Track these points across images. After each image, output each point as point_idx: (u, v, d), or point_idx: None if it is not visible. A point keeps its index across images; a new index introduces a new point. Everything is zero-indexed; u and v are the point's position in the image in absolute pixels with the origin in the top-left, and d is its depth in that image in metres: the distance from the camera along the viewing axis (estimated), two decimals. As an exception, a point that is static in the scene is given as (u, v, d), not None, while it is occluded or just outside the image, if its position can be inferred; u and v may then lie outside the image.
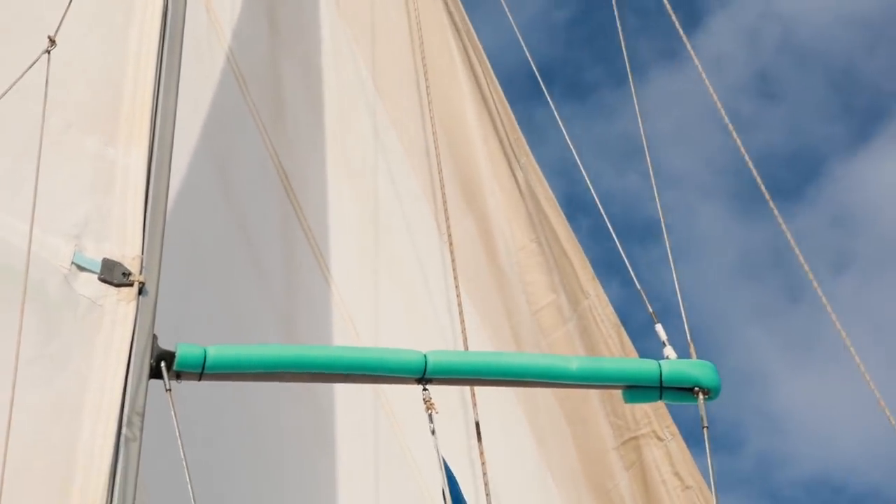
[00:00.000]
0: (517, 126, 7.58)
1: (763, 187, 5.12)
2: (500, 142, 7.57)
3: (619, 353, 7.02)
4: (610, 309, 7.23)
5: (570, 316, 7.26)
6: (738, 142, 5.31)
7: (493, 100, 7.64)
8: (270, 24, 7.46)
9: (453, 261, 6.65)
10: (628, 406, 6.83)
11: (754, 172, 5.22)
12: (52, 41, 4.58)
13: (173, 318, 4.65)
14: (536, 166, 7.50)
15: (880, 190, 19.11)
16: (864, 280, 18.17)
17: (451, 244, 6.79)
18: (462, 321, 6.32)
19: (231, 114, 6.97)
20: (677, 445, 6.94)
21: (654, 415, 6.90)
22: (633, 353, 7.04)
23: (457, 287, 6.40)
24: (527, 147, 7.54)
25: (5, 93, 4.35)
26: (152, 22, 5.10)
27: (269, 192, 7.03)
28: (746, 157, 5.32)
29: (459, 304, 6.27)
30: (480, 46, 7.74)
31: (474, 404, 5.32)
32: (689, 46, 5.84)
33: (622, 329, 7.17)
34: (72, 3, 4.70)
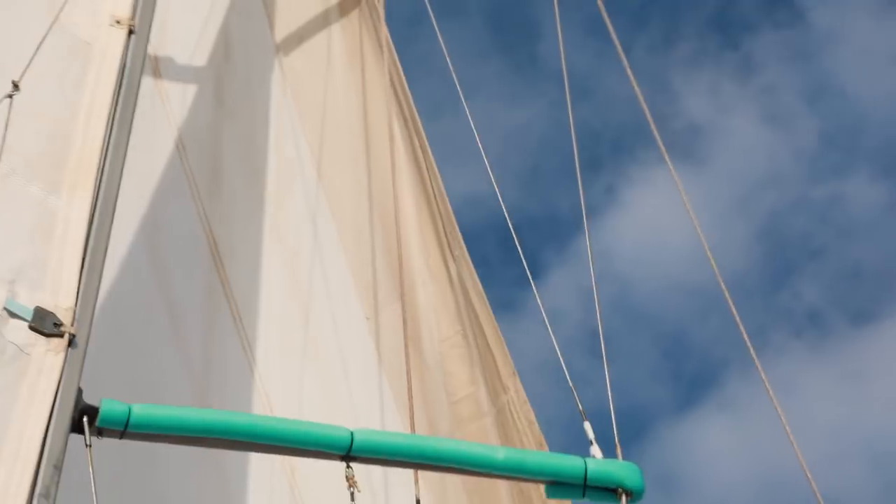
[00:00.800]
0: (454, 218, 7.64)
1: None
2: (436, 232, 7.61)
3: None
4: (527, 406, 7.26)
5: (488, 410, 7.27)
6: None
7: (433, 189, 7.70)
8: (216, 94, 7.47)
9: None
10: (535, 499, 6.84)
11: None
12: (16, 86, 4.56)
13: (87, 374, 4.60)
14: (469, 259, 7.55)
15: (704, 456, 19.70)
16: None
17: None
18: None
19: (166, 178, 6.94)
20: None
21: None
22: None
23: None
24: (461, 239, 7.59)
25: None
26: (108, 77, 5.11)
27: (196, 262, 6.99)
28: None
29: (415, 395, 6.24)
30: (425, 137, 7.80)
31: (416, 481, 5.28)
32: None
33: (537, 426, 7.19)
34: (37, 51, 4.69)
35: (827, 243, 20.64)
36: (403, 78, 8.04)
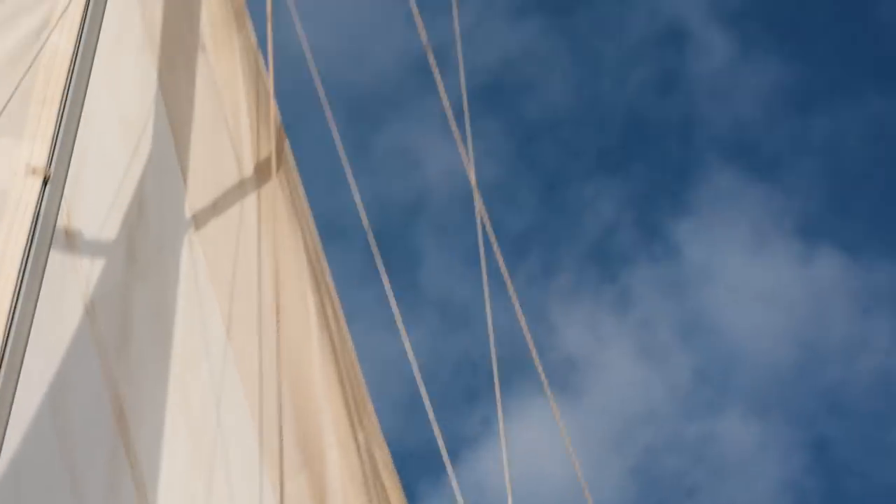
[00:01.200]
0: (364, 386, 7.48)
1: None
2: (345, 400, 7.45)
3: None
4: None
5: None
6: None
7: (343, 357, 7.56)
8: (128, 254, 7.35)
9: None
10: None
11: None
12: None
13: None
14: (378, 428, 7.39)
15: None
16: None
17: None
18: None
19: (74, 338, 6.80)
20: None
21: None
22: None
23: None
24: (370, 407, 7.43)
25: None
26: (21, 227, 5.00)
27: (100, 424, 6.82)
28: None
29: None
30: (338, 303, 7.68)
31: None
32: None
33: None
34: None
35: (700, 481, 20.88)
36: (319, 245, 7.96)
